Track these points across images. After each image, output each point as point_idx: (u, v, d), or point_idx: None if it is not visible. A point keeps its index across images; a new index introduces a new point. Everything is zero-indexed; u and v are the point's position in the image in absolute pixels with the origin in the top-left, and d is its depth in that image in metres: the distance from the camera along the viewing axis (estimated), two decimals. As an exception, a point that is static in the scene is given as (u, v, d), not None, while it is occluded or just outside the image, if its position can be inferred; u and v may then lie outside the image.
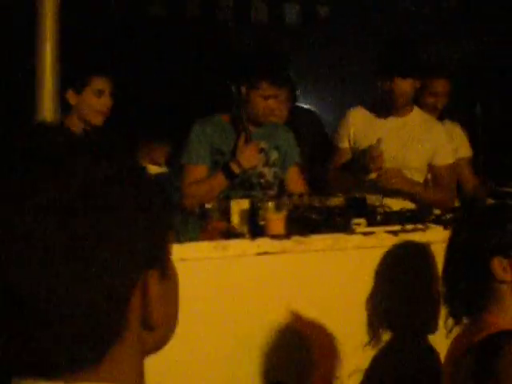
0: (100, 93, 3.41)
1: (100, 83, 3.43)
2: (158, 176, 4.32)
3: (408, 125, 3.65)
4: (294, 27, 5.61)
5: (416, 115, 3.69)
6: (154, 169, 4.38)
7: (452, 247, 2.15)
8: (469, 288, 2.06)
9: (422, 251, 2.75)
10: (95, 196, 0.76)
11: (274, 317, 2.63)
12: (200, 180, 3.44)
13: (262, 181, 3.53)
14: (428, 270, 2.71)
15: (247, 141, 3.41)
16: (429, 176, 3.70)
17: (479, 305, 2.05)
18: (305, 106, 6.10)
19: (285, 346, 2.63)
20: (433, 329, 2.68)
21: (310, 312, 2.66)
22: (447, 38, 5.81)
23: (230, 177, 3.37)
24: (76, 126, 3.42)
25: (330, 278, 2.70)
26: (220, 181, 3.40)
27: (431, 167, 3.64)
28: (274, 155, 3.58)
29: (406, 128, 3.64)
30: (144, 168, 0.87)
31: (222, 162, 3.43)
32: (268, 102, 3.39)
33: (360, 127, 3.70)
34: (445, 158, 3.65)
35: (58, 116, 1.87)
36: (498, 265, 2.02)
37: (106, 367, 0.82)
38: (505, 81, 5.48)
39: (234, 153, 3.42)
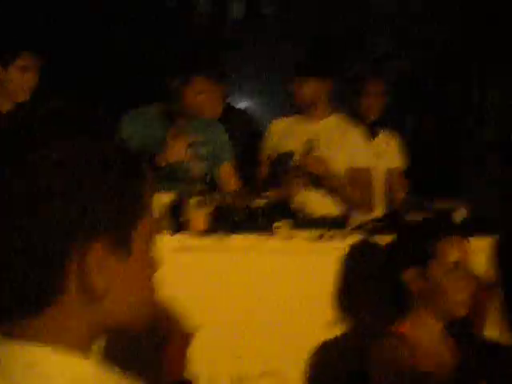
0: (25, 69, 3.31)
1: (25, 59, 3.32)
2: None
3: (325, 129, 3.65)
4: (238, 23, 5.59)
5: (333, 119, 3.69)
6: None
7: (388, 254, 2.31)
8: (392, 293, 2.27)
9: (339, 260, 2.78)
10: (56, 160, 0.84)
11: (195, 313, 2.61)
12: None
13: (189, 174, 3.50)
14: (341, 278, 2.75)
15: (176, 135, 3.38)
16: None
17: (400, 310, 2.22)
18: (237, 106, 6.10)
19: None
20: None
21: (224, 310, 2.65)
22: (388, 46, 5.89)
23: (154, 169, 3.33)
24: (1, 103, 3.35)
25: (248, 278, 2.69)
26: None
27: (349, 170, 3.63)
28: (204, 150, 3.54)
29: (322, 132, 3.63)
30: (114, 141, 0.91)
31: (148, 155, 3.38)
32: (200, 97, 3.36)
33: (281, 136, 3.71)
34: (362, 161, 3.66)
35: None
36: (409, 276, 2.18)
37: (40, 325, 0.87)
38: (439, 94, 5.58)
39: (161, 145, 3.38)
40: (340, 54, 3.71)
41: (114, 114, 3.61)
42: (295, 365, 2.74)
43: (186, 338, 2.31)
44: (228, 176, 3.61)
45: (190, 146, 3.43)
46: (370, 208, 3.58)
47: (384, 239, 2.81)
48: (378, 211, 3.93)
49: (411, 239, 2.29)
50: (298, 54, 3.76)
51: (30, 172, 0.84)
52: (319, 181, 3.48)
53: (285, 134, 3.71)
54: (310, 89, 3.57)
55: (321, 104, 3.63)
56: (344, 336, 2.76)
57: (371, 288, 2.70)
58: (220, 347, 2.65)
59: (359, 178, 3.60)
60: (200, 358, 2.47)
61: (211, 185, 3.52)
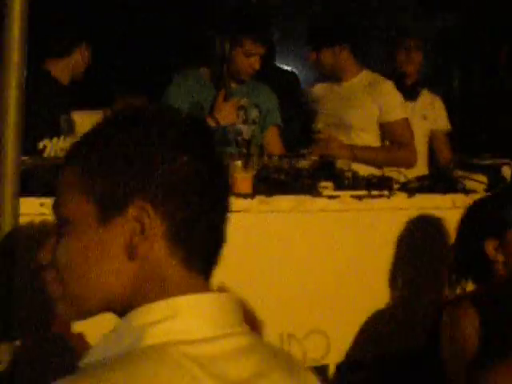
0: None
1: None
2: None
3: (352, 87, 3.69)
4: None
5: (363, 77, 3.73)
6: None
7: (461, 223, 2.31)
8: (467, 262, 2.26)
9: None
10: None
11: (236, 274, 2.65)
12: None
13: (239, 138, 3.53)
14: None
15: (227, 97, 3.41)
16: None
17: (475, 278, 2.26)
18: (285, 67, 6.10)
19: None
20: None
21: (271, 271, 2.68)
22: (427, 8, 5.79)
23: None
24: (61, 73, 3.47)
25: (293, 240, 2.72)
26: None
27: (382, 125, 3.65)
28: (254, 113, 3.59)
29: (348, 91, 3.66)
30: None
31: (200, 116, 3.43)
32: (250, 59, 3.39)
33: (316, 101, 3.83)
34: (395, 114, 3.66)
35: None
36: (490, 245, 2.18)
37: None
38: (485, 54, 5.48)
39: (212, 108, 3.42)
40: (347, 21, 3.73)
41: (162, 75, 3.68)
42: (344, 325, 2.77)
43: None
44: (274, 139, 3.65)
45: (240, 108, 3.48)
46: (412, 161, 3.58)
47: (432, 199, 2.82)
48: (423, 170, 3.93)
49: (489, 208, 2.28)
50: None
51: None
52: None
53: (320, 99, 3.78)
54: (327, 58, 3.65)
55: (344, 68, 3.68)
56: (396, 303, 2.78)
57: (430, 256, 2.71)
58: (269, 306, 2.68)
59: (396, 131, 3.62)
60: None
61: (260, 147, 3.56)
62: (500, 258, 2.18)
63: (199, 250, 1.13)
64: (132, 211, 1.06)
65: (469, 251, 2.26)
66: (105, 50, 3.61)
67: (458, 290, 2.32)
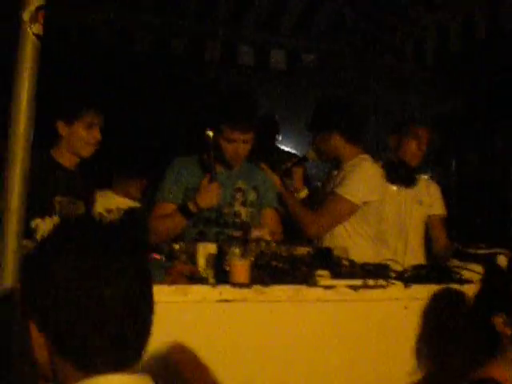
0: (90, 126, 3.50)
1: (91, 117, 3.51)
2: (133, 210, 4.37)
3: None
4: (279, 73, 5.70)
5: (356, 161, 3.84)
6: (128, 203, 4.43)
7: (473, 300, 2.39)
8: (477, 338, 2.33)
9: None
10: None
11: (233, 364, 2.65)
12: (161, 216, 3.52)
13: (237, 220, 3.58)
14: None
15: (211, 181, 3.48)
16: None
17: (486, 353, 2.28)
18: (286, 149, 6.20)
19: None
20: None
21: (269, 362, 2.68)
22: (430, 93, 5.91)
23: (186, 215, 3.44)
24: (64, 156, 3.52)
25: (290, 329, 2.72)
26: (178, 218, 3.46)
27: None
28: (252, 195, 3.64)
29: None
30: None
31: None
32: (233, 145, 3.47)
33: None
34: (339, 189, 3.74)
35: (29, 151, 1.91)
36: (499, 320, 2.24)
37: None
38: (482, 138, 5.57)
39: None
40: (338, 107, 3.83)
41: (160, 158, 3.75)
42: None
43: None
44: (271, 221, 3.69)
45: (238, 191, 3.56)
46: (309, 230, 3.65)
47: (428, 289, 2.84)
48: (419, 257, 3.95)
49: (501, 284, 2.33)
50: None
51: None
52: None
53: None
54: (319, 144, 3.81)
55: (337, 153, 3.78)
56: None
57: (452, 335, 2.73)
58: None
59: (326, 201, 3.69)
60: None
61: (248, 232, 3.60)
62: (509, 331, 2.23)
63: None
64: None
65: (479, 327, 2.32)
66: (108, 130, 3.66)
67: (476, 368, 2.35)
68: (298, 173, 3.91)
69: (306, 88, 6.01)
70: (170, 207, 3.54)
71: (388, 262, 3.22)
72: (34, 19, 2.22)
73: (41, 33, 2.22)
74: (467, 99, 5.87)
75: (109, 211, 4.29)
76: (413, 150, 4.13)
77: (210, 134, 3.47)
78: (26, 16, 2.17)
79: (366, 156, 3.85)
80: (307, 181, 4.29)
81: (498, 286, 2.31)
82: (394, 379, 2.79)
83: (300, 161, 4.00)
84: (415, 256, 3.91)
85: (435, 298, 2.83)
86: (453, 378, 2.56)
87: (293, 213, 3.72)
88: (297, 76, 5.85)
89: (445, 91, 5.93)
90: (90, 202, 3.71)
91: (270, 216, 3.70)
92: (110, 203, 4.40)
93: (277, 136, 5.87)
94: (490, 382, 2.20)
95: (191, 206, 3.45)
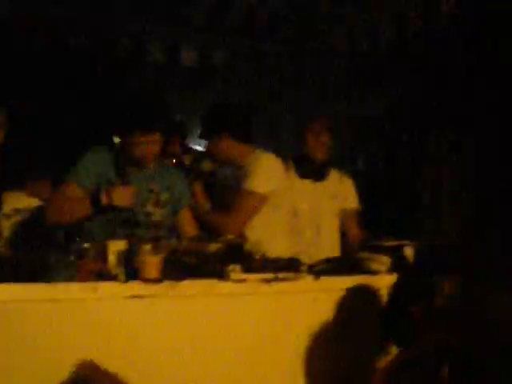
0: None
1: None
2: (36, 209, 4.29)
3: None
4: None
5: (251, 158, 3.86)
6: (32, 202, 4.34)
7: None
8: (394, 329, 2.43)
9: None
10: None
11: (146, 360, 2.64)
12: (69, 197, 3.46)
13: (149, 220, 3.56)
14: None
15: (124, 183, 3.45)
16: None
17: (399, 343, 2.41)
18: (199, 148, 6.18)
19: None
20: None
21: (183, 357, 2.68)
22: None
23: (95, 204, 3.40)
24: None
25: (202, 324, 2.72)
26: (86, 205, 3.41)
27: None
28: (165, 196, 3.63)
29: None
30: None
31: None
32: (140, 148, 3.45)
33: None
34: (247, 184, 3.74)
35: None
36: (415, 310, 2.34)
37: None
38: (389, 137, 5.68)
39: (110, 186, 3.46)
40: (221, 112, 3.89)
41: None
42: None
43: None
44: (186, 221, 3.69)
45: (150, 192, 3.53)
46: (228, 229, 3.68)
47: (337, 281, 2.89)
48: (333, 250, 4.01)
49: (418, 277, 2.43)
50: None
51: None
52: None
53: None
54: (212, 149, 3.88)
55: (232, 155, 3.84)
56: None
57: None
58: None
59: (237, 198, 3.73)
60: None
61: (171, 230, 3.59)
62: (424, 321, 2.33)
63: None
64: None
65: (396, 318, 2.40)
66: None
67: (385, 357, 2.41)
68: (197, 188, 3.92)
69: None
70: (78, 190, 3.49)
71: (300, 256, 3.25)
72: None
73: None
74: (388, 103, 5.98)
75: (17, 211, 4.19)
76: (311, 143, 4.19)
77: (117, 140, 3.46)
78: None
79: (260, 150, 3.89)
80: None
81: (411, 278, 2.39)
82: (307, 371, 2.83)
83: (197, 176, 4.00)
84: (330, 249, 3.96)
85: (344, 290, 2.88)
86: (362, 366, 2.62)
87: (206, 222, 3.73)
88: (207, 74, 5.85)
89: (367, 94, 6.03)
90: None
91: (185, 217, 3.71)
92: (19, 203, 4.30)
93: (183, 139, 5.83)
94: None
95: (103, 198, 3.40)
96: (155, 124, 3.48)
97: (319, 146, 4.18)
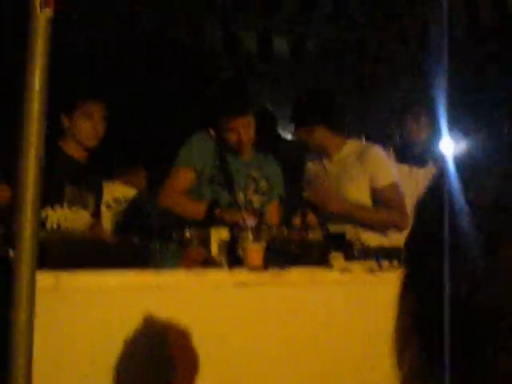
0: (89, 115, 3.47)
1: (89, 106, 3.48)
2: (135, 199, 4.35)
3: (341, 162, 3.78)
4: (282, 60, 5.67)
5: (349, 149, 3.80)
6: (131, 192, 4.40)
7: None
8: None
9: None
10: None
11: (251, 346, 2.64)
12: (183, 199, 3.51)
13: (250, 208, 3.58)
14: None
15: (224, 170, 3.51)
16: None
17: None
18: (288, 138, 6.16)
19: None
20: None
21: (285, 344, 2.67)
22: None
23: (209, 215, 3.43)
24: (71, 148, 3.50)
25: (306, 312, 2.71)
26: (199, 211, 3.44)
27: (373, 191, 3.68)
28: (264, 184, 3.66)
29: (338, 166, 3.78)
30: None
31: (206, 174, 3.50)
32: (234, 133, 3.47)
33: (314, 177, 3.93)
34: (382, 181, 3.68)
35: (42, 139, 1.89)
36: None
37: None
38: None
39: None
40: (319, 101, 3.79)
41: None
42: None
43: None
44: (275, 211, 3.71)
45: (251, 179, 3.56)
46: (402, 224, 3.57)
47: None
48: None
49: None
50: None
51: None
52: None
53: (314, 177, 3.88)
54: (305, 137, 3.76)
55: (324, 145, 3.74)
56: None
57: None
58: (283, 378, 2.66)
59: (385, 196, 3.63)
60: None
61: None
62: None
63: None
64: None
65: None
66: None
67: None
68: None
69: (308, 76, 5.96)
70: (190, 173, 3.54)
71: (400, 244, 3.20)
72: (45, 3, 2.19)
73: (52, 17, 2.19)
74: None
75: (116, 200, 4.26)
76: (413, 127, 4.12)
77: (211, 132, 3.52)
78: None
79: (356, 141, 3.84)
80: None
81: None
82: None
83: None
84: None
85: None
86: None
87: (371, 221, 3.63)
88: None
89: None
90: (98, 192, 3.69)
91: (275, 206, 3.72)
92: (117, 192, 4.37)
93: (275, 126, 5.82)
94: None
95: (217, 212, 3.43)
96: (246, 107, 3.49)
97: (419, 129, 4.10)
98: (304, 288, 2.70)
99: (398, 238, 3.53)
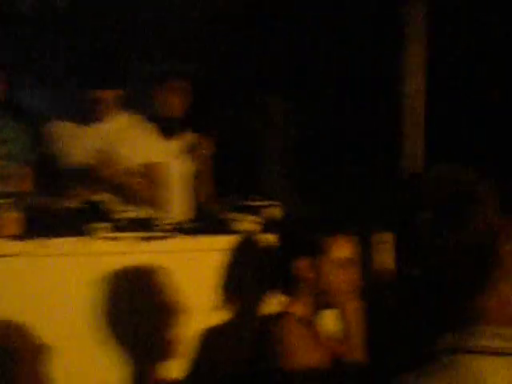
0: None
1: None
2: None
3: (115, 129, 3.68)
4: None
5: (122, 119, 3.71)
6: None
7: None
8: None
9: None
10: None
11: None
12: None
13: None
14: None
15: None
16: None
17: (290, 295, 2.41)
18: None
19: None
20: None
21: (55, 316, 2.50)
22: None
23: None
24: None
25: (73, 283, 2.55)
26: None
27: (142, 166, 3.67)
28: (3, 149, 3.44)
29: (113, 133, 3.66)
30: None
31: None
32: None
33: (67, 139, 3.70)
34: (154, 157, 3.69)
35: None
36: (303, 264, 2.35)
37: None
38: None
39: None
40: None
41: None
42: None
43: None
44: (25, 176, 3.50)
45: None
46: (160, 204, 3.59)
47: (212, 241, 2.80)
48: (181, 209, 3.92)
49: (302, 234, 2.39)
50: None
51: None
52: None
53: (71, 137, 3.66)
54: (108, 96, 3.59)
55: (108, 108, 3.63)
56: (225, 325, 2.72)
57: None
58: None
59: (150, 174, 3.62)
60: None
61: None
62: (311, 275, 2.34)
63: None
64: None
65: (285, 269, 2.38)
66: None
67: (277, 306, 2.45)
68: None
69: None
70: None
71: (159, 215, 3.14)
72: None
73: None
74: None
75: None
76: (170, 100, 4.11)
77: None
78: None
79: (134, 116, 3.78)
80: None
81: (299, 235, 2.37)
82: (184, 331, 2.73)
83: None
84: (181, 209, 3.87)
85: (217, 249, 2.80)
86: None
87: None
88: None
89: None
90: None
91: (26, 171, 3.54)
92: None
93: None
94: (285, 315, 2.34)
95: None
96: None
97: (170, 104, 4.07)
98: (70, 258, 2.53)
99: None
